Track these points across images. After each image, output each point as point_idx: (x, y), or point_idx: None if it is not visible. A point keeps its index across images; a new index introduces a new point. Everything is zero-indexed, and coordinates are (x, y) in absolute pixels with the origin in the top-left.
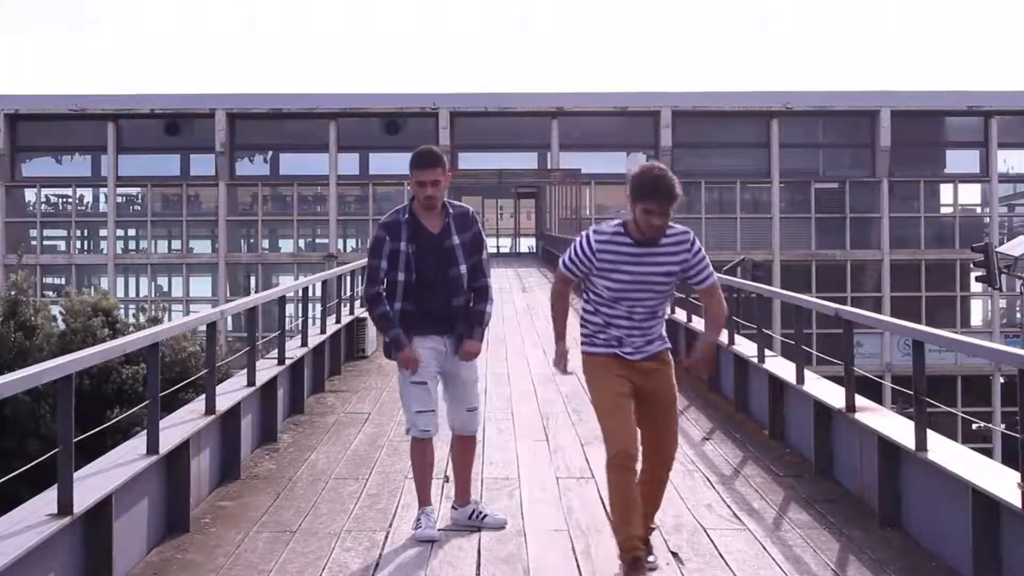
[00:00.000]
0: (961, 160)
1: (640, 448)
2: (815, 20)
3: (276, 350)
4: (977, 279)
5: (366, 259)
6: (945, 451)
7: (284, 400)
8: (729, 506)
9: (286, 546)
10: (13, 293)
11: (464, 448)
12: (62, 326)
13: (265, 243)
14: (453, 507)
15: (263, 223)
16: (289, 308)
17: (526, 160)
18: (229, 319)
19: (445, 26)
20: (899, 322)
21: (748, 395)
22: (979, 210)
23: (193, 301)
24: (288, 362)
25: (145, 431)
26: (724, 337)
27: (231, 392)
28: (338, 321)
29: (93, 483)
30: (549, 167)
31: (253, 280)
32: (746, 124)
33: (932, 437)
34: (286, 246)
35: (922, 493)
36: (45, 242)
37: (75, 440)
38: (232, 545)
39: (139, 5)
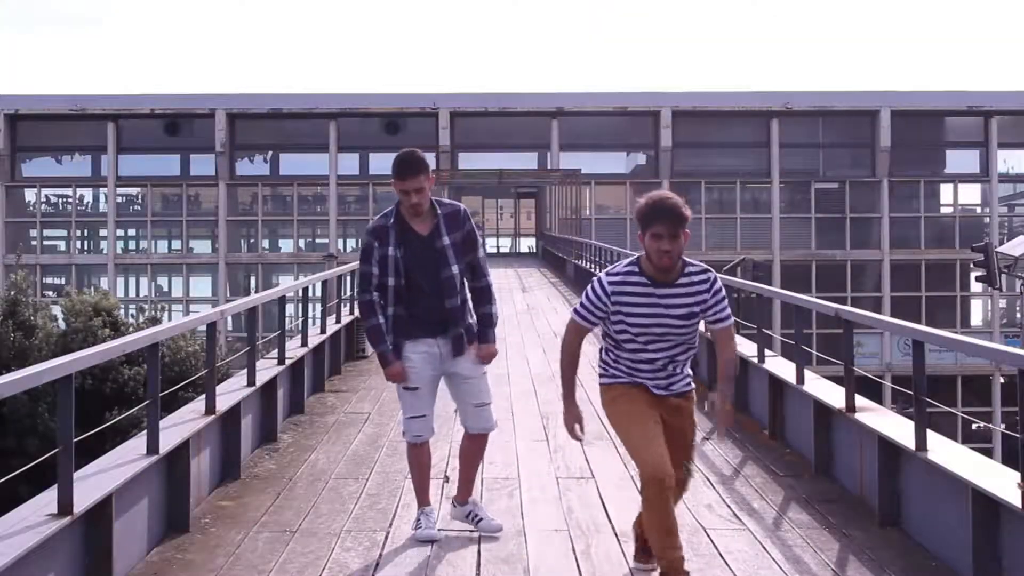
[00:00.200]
0: (961, 160)
1: (670, 466)
2: (815, 20)
3: (276, 350)
4: (977, 279)
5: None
6: (945, 451)
7: (284, 400)
8: (729, 506)
9: (286, 546)
10: (13, 293)
11: (472, 446)
12: (63, 326)
13: (265, 243)
14: (453, 504)
15: (263, 223)
16: (289, 308)
17: (526, 160)
18: (229, 319)
19: (445, 26)
20: (899, 322)
21: (748, 395)
22: (979, 210)
23: (193, 301)
24: (288, 362)
25: (145, 431)
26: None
27: (231, 392)
28: (338, 321)
29: (93, 483)
30: (549, 167)
31: (253, 280)
32: (746, 124)
33: (932, 437)
34: (286, 246)
35: (922, 493)
36: (45, 242)
37: (75, 440)
38: (232, 545)
39: (139, 5)
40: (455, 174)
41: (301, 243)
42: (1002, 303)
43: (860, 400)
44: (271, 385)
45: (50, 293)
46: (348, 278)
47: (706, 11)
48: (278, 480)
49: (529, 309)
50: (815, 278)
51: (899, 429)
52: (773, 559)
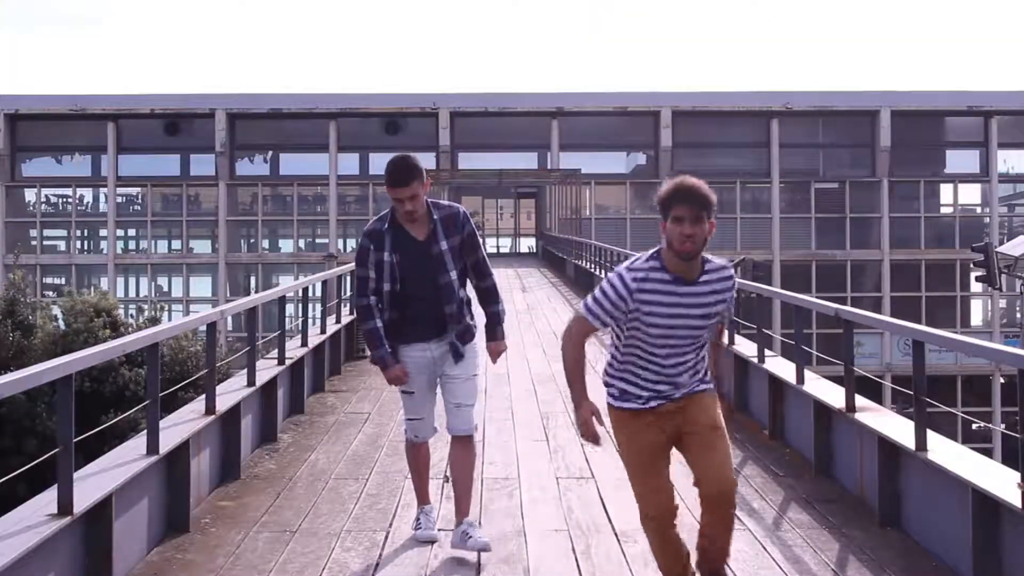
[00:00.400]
0: (961, 160)
1: (674, 502)
2: (815, 20)
3: (276, 350)
4: (977, 279)
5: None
6: (945, 451)
7: (284, 400)
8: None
9: (286, 546)
10: (11, 292)
11: (459, 454)
12: (63, 326)
13: (265, 243)
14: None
15: (263, 223)
16: (289, 308)
17: (526, 160)
18: (229, 319)
19: (445, 26)
20: (899, 322)
21: (748, 395)
22: (979, 210)
23: (193, 301)
24: (288, 362)
25: (145, 431)
26: (724, 337)
27: (231, 392)
28: (338, 321)
29: (93, 483)
30: (549, 167)
31: (253, 280)
32: (746, 124)
33: (932, 437)
34: (286, 246)
35: (922, 493)
36: (45, 242)
37: (75, 440)
38: (232, 545)
39: (139, 5)
40: (455, 174)
41: (301, 243)
42: (1002, 303)
43: (860, 400)
44: (271, 385)
45: (50, 293)
46: (348, 278)
47: (706, 11)
48: (278, 480)
49: (529, 309)
50: (815, 278)
51: (899, 429)
52: (773, 559)
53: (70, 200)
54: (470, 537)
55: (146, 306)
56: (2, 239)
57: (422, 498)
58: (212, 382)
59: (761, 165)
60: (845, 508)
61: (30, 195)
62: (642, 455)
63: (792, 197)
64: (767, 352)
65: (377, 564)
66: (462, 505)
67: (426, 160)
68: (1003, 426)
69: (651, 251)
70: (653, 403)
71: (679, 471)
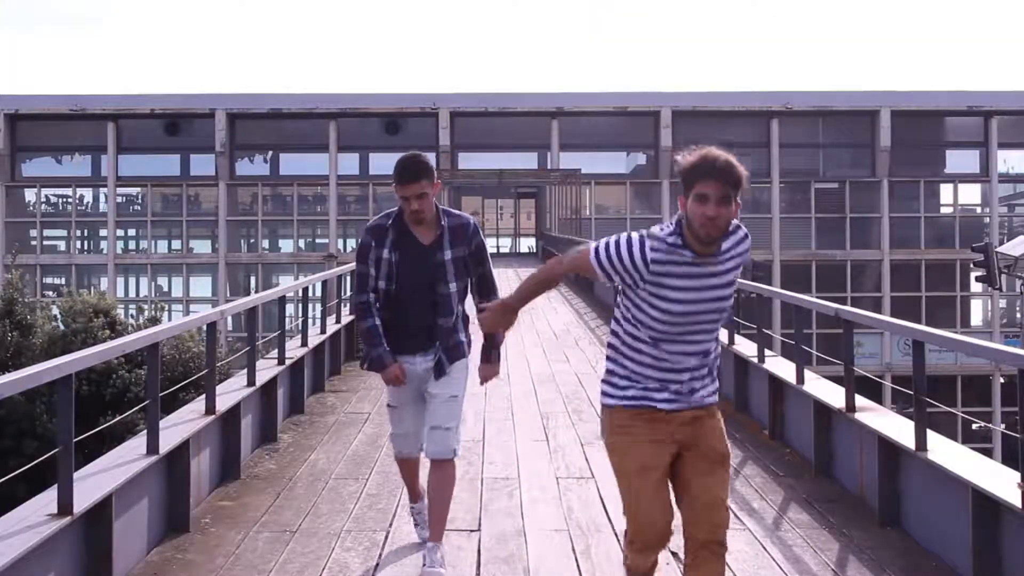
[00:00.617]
0: (961, 160)
1: (671, 528)
2: (815, 20)
3: (276, 350)
4: (977, 279)
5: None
6: (945, 451)
7: (284, 400)
8: (729, 506)
9: (286, 546)
10: (10, 292)
11: (434, 478)
12: (61, 327)
13: (265, 243)
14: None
15: (263, 223)
16: (289, 308)
17: (526, 160)
18: (229, 319)
19: (445, 26)
20: (899, 322)
21: (748, 395)
22: (979, 210)
23: (193, 301)
24: (288, 362)
25: (145, 431)
26: (724, 336)
27: (231, 392)
28: (338, 321)
29: (93, 483)
30: (549, 167)
31: (253, 280)
32: (746, 124)
33: (932, 437)
34: (286, 246)
35: (922, 493)
36: (45, 242)
37: (75, 440)
38: (232, 545)
39: (139, 5)
40: (455, 174)
41: (301, 243)
42: (1002, 303)
43: (860, 400)
44: (271, 385)
45: (50, 293)
46: (348, 278)
47: (706, 11)
48: (278, 480)
49: (529, 309)
50: (815, 278)
51: (899, 429)
52: (773, 559)
53: (70, 200)
54: (424, 564)
55: (146, 306)
56: (2, 239)
57: (413, 495)
58: (212, 382)
59: (761, 165)
60: (845, 508)
61: (30, 195)
62: (648, 467)
63: (792, 197)
64: (767, 352)
65: (377, 564)
66: (434, 527)
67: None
68: (1003, 426)
69: (672, 222)
70: (672, 405)
71: None
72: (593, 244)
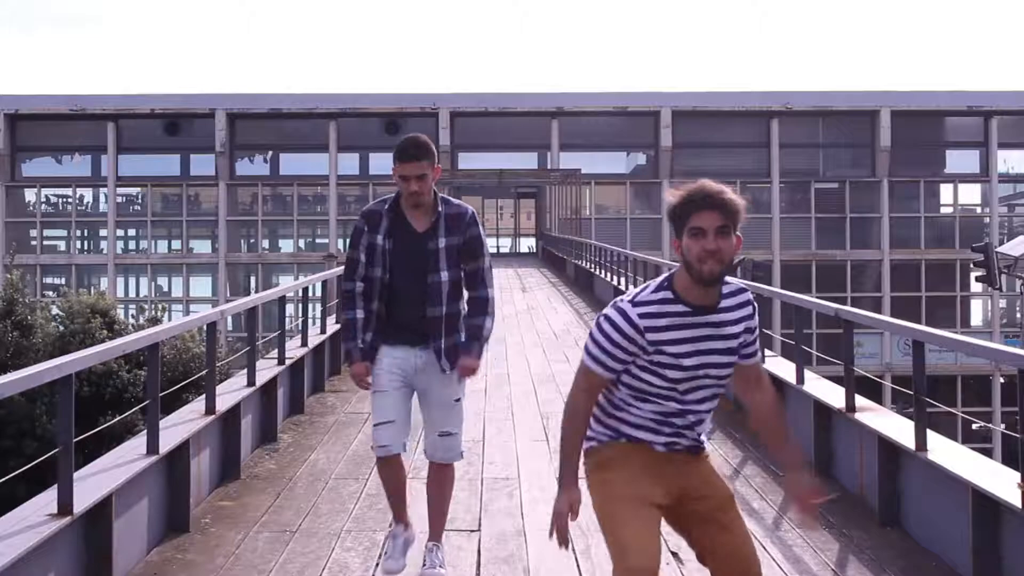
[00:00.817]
0: (961, 160)
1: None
2: (815, 20)
3: (276, 350)
4: (977, 279)
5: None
6: (945, 451)
7: (284, 400)
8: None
9: (286, 546)
10: (10, 292)
11: (437, 480)
12: (61, 327)
13: (265, 243)
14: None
15: (263, 223)
16: (289, 308)
17: (526, 160)
18: (229, 319)
19: (445, 26)
20: (899, 322)
21: None
22: (979, 210)
23: (193, 301)
24: (288, 362)
25: (145, 431)
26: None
27: (231, 392)
28: (338, 321)
29: (93, 483)
30: (549, 167)
31: (253, 280)
32: (746, 124)
33: (932, 437)
34: (286, 246)
35: (922, 493)
36: (45, 242)
37: (75, 440)
38: (232, 545)
39: (139, 5)
40: (455, 174)
41: (301, 243)
42: (1002, 303)
43: (860, 400)
44: (271, 385)
45: (50, 293)
46: None
47: (706, 11)
48: (278, 480)
49: (529, 309)
50: (815, 278)
51: (899, 429)
52: (773, 559)
53: (70, 200)
54: (424, 564)
55: (147, 306)
56: (2, 239)
57: (397, 515)
58: (212, 382)
59: (761, 165)
60: (845, 508)
61: (30, 195)
62: (626, 501)
63: (792, 197)
64: (767, 352)
65: (377, 564)
66: (433, 526)
67: None
68: (1003, 426)
69: (658, 280)
70: (670, 449)
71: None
72: (584, 354)
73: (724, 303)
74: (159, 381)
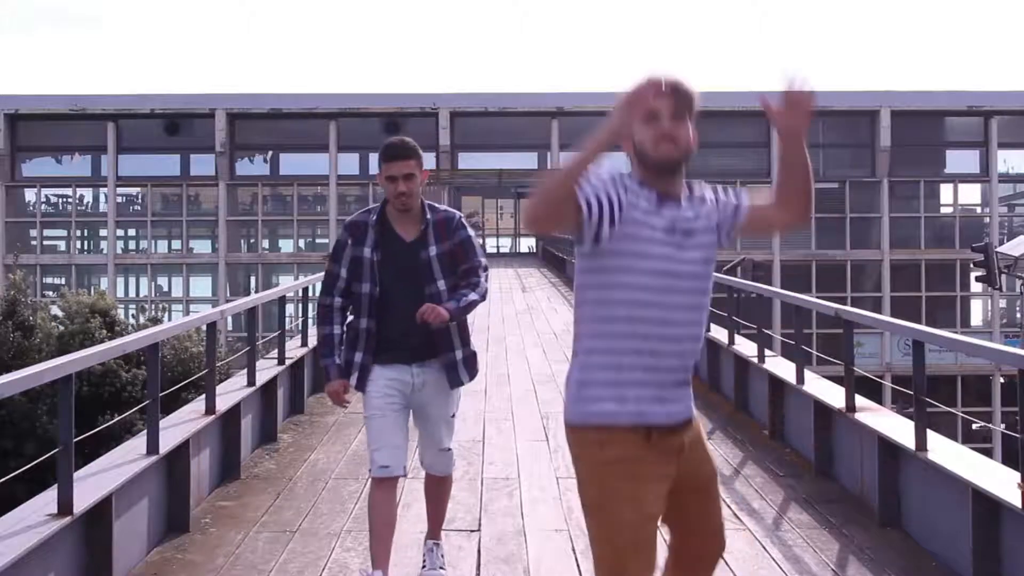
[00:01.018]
0: (961, 160)
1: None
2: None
3: (276, 350)
4: (977, 279)
5: None
6: (945, 451)
7: (284, 400)
8: (729, 506)
9: (286, 546)
10: (12, 292)
11: (437, 486)
12: (60, 327)
13: (265, 243)
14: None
15: (263, 223)
16: (289, 308)
17: (526, 160)
18: (229, 319)
19: (445, 26)
20: (899, 322)
21: (748, 395)
22: (979, 210)
23: (193, 301)
24: (288, 362)
25: (145, 431)
26: (724, 337)
27: (231, 392)
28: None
29: (93, 483)
30: (549, 167)
31: (253, 280)
32: (746, 124)
33: (932, 437)
34: (286, 246)
35: (922, 493)
36: (45, 242)
37: (75, 440)
38: (232, 545)
39: (139, 5)
40: (455, 174)
41: (301, 243)
42: (1002, 303)
43: (860, 400)
44: (271, 385)
45: (50, 293)
46: None
47: (706, 11)
48: (278, 480)
49: (529, 309)
50: (815, 278)
51: (899, 429)
52: (773, 559)
53: (70, 200)
54: (424, 565)
55: (147, 306)
56: (2, 239)
57: (376, 560)
58: (212, 382)
59: (761, 165)
60: (845, 508)
61: (30, 195)
62: (633, 526)
63: None
64: (767, 352)
65: None
66: (435, 524)
67: (426, 160)
68: (1003, 426)
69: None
70: (657, 410)
71: None
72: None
73: (696, 193)
74: (159, 381)
